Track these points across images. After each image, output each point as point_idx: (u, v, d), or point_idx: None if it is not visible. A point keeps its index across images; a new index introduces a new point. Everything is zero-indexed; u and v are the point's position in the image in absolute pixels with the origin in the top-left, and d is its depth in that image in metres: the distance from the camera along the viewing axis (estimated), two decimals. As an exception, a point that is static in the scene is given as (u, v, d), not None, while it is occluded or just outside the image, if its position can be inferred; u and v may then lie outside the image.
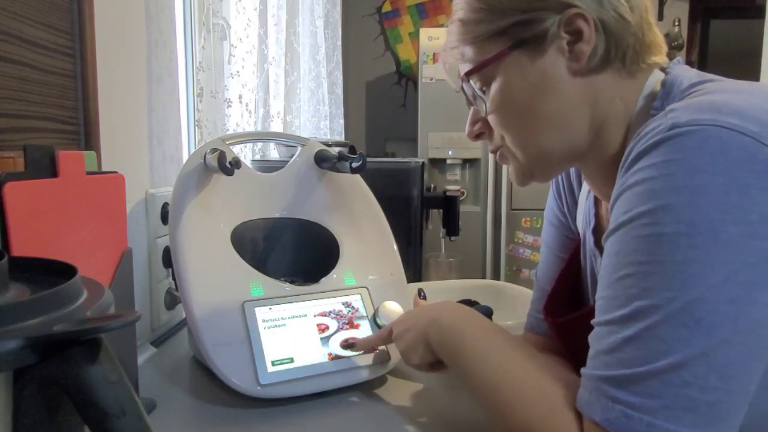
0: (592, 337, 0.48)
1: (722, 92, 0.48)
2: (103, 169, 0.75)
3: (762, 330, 0.41)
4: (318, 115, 2.34)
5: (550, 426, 0.49)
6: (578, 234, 0.72)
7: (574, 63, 0.55)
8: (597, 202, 0.67)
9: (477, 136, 0.64)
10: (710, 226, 0.41)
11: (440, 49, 0.65)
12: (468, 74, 0.59)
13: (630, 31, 0.55)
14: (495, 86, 0.58)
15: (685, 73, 0.54)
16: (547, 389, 0.51)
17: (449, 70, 0.66)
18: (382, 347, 0.78)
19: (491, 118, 0.60)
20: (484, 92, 0.60)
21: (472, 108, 0.63)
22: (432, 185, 2.68)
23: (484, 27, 0.57)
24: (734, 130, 0.42)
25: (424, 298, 0.80)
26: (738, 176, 0.41)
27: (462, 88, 0.62)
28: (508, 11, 0.56)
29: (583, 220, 0.70)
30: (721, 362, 0.41)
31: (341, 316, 0.79)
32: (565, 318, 0.67)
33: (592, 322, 0.48)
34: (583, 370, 0.48)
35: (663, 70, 0.57)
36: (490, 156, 2.93)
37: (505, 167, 2.78)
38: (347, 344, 0.76)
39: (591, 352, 0.48)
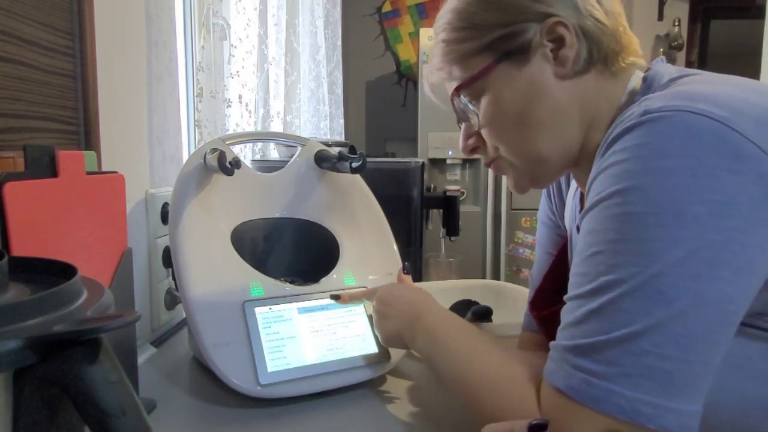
0: (562, 312, 0.50)
1: (697, 83, 0.50)
2: (103, 169, 0.75)
3: (725, 305, 0.43)
4: (318, 115, 2.34)
5: (509, 403, 0.52)
6: (567, 232, 0.73)
7: (560, 68, 0.56)
8: (582, 200, 0.68)
9: (472, 151, 0.65)
10: (677, 205, 0.43)
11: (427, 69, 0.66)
12: (457, 90, 0.61)
13: (608, 34, 0.57)
14: (485, 99, 0.59)
15: (665, 69, 0.56)
16: (509, 375, 0.54)
17: (434, 90, 0.67)
18: (382, 345, 0.78)
19: (484, 131, 0.61)
20: (474, 107, 0.61)
21: (463, 124, 0.64)
22: (432, 185, 2.68)
23: (468, 45, 0.59)
24: (704, 115, 0.43)
25: (408, 273, 0.82)
26: (706, 159, 0.42)
27: (453, 106, 0.63)
28: (490, 27, 0.57)
29: (569, 218, 0.71)
30: (680, 332, 0.42)
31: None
32: (549, 310, 0.68)
33: (564, 297, 0.50)
34: (551, 343, 0.50)
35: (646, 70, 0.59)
36: (490, 156, 2.93)
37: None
38: (333, 296, 0.79)
39: (560, 326, 0.49)
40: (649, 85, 0.55)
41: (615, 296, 0.44)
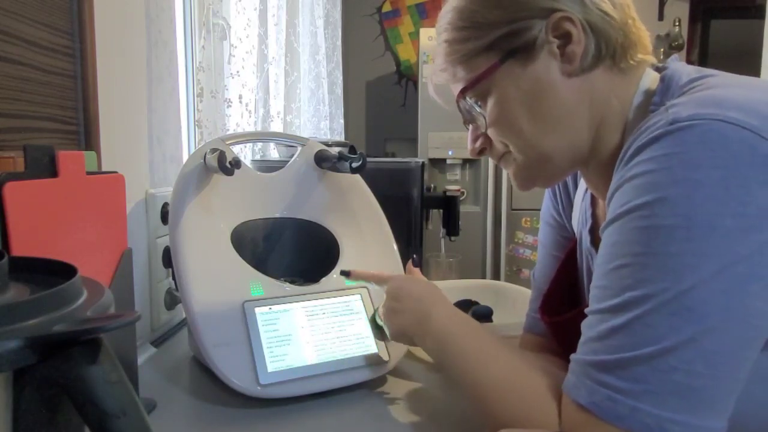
0: (584, 325, 0.49)
1: (722, 87, 0.48)
2: (103, 169, 0.75)
3: (754, 320, 0.42)
4: (318, 115, 2.34)
5: (529, 413, 0.50)
6: (573, 234, 0.72)
7: (568, 65, 0.55)
8: (593, 202, 0.67)
9: (480, 152, 0.63)
10: (707, 219, 0.41)
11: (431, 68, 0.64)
12: (462, 92, 0.59)
13: (616, 27, 0.55)
14: (491, 100, 0.58)
15: (683, 68, 0.54)
16: (527, 382, 0.52)
17: (439, 91, 0.66)
18: (382, 346, 0.78)
19: (491, 131, 0.60)
20: (480, 107, 0.59)
21: (470, 125, 0.63)
22: (432, 185, 2.68)
23: (472, 44, 0.57)
24: (735, 124, 0.42)
25: (417, 265, 0.81)
26: (738, 170, 0.41)
27: (459, 108, 0.62)
28: (493, 25, 0.55)
29: (579, 220, 0.70)
30: (709, 349, 0.41)
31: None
32: (561, 317, 0.67)
33: (586, 310, 0.49)
34: (572, 356, 0.49)
35: (658, 68, 0.57)
36: (490, 156, 2.93)
37: (505, 167, 2.77)
38: (343, 272, 0.77)
39: (581, 339, 0.48)
40: (667, 86, 0.53)
41: (642, 312, 0.43)
